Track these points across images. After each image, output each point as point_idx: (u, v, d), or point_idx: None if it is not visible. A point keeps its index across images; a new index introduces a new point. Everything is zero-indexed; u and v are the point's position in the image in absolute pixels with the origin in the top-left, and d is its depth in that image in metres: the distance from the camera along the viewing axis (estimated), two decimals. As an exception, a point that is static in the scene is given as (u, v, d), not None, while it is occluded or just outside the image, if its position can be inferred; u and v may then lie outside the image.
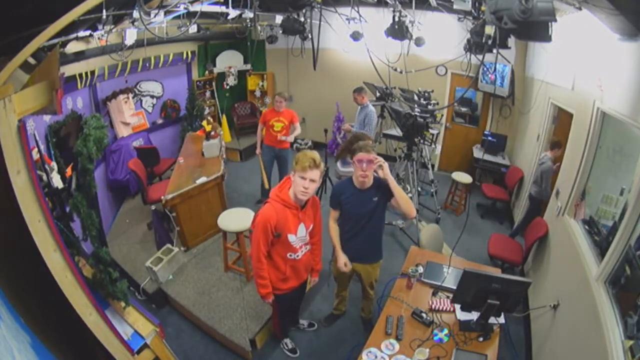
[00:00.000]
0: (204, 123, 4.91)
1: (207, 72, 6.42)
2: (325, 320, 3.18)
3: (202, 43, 6.18)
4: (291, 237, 2.18)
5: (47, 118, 3.25)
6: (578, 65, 3.09)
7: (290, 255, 2.26)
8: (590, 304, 2.04)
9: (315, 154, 2.02)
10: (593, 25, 2.41)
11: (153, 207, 3.84)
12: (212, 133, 4.71)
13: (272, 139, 4.64)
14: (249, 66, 6.86)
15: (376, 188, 2.40)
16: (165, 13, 2.91)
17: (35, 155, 2.45)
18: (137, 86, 5.32)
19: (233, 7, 3.56)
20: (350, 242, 2.57)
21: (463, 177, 4.79)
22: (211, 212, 3.89)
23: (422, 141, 4.35)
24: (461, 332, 2.17)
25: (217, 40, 6.32)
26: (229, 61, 6.62)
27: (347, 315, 3.25)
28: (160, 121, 5.82)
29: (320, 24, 3.16)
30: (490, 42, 1.84)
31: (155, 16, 2.74)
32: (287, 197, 2.13)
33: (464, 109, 5.92)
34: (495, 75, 4.98)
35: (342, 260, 2.54)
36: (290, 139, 4.67)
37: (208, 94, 6.58)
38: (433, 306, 2.36)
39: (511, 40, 2.06)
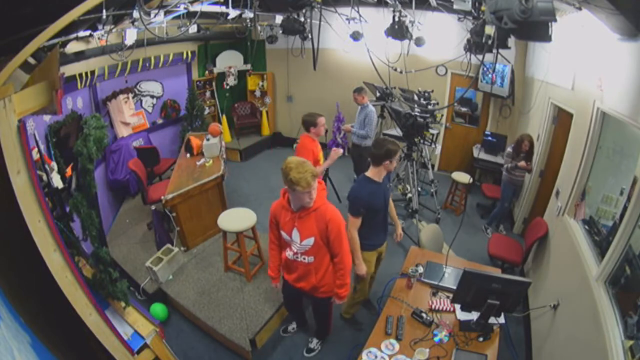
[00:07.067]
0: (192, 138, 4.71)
1: (207, 72, 6.41)
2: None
3: (202, 43, 6.18)
4: (284, 235, 2.26)
5: (47, 118, 3.25)
6: (578, 65, 3.09)
7: (287, 252, 2.31)
8: (590, 304, 2.04)
9: (304, 167, 1.97)
10: (593, 25, 2.41)
11: (153, 207, 3.84)
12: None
13: None
14: (249, 66, 6.86)
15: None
16: (165, 13, 2.91)
17: (35, 155, 2.45)
18: (137, 86, 5.32)
19: (233, 7, 3.57)
20: (379, 233, 2.72)
21: (463, 177, 4.79)
22: (211, 212, 3.89)
23: (422, 141, 4.35)
24: (461, 332, 2.18)
25: (217, 40, 6.31)
26: (229, 61, 6.62)
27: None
28: (160, 121, 5.82)
29: (320, 24, 3.17)
30: (490, 42, 1.84)
31: (155, 16, 2.74)
32: (284, 199, 2.21)
33: (464, 109, 5.92)
34: (495, 75, 4.98)
35: (364, 269, 2.63)
36: None
37: (208, 94, 6.58)
38: (433, 306, 2.36)
39: (511, 40, 2.06)
